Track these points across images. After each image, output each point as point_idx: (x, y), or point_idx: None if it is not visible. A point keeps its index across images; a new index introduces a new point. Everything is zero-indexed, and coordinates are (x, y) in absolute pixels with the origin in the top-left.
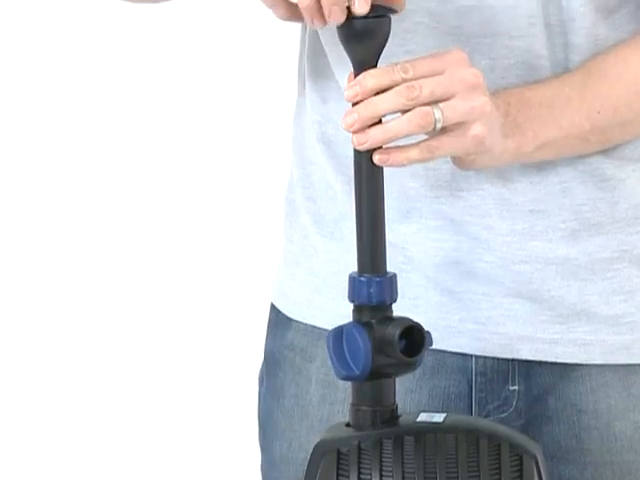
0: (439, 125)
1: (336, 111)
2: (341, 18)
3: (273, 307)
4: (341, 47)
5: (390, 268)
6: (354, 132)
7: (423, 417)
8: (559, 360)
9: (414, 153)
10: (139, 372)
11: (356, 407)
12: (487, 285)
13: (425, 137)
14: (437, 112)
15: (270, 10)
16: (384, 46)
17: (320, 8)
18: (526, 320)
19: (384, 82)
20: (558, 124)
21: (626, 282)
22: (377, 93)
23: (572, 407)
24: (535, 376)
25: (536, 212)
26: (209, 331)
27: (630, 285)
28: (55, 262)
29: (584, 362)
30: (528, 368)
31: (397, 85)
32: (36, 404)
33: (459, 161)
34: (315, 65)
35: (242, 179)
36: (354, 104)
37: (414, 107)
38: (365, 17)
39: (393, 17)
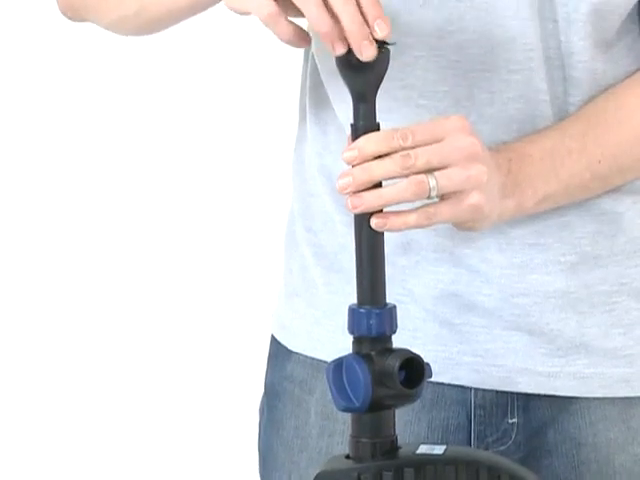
0: (434, 193)
1: (336, 143)
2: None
3: (273, 339)
4: (340, 80)
5: (389, 300)
6: (348, 195)
7: (423, 449)
8: (558, 393)
9: (412, 219)
10: (139, 399)
11: (356, 439)
12: (486, 317)
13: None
14: (432, 181)
15: (272, 32)
16: (383, 78)
17: (342, 35)
18: (525, 353)
19: (383, 148)
20: (559, 177)
21: (625, 315)
22: (375, 158)
23: (571, 440)
24: (534, 409)
25: (535, 245)
26: (211, 362)
27: (629, 318)
28: (54, 267)
29: (583, 395)
30: (527, 401)
31: (395, 152)
32: (36, 404)
33: (458, 226)
34: (316, 97)
35: (244, 209)
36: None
37: (409, 175)
38: None
39: (393, 50)
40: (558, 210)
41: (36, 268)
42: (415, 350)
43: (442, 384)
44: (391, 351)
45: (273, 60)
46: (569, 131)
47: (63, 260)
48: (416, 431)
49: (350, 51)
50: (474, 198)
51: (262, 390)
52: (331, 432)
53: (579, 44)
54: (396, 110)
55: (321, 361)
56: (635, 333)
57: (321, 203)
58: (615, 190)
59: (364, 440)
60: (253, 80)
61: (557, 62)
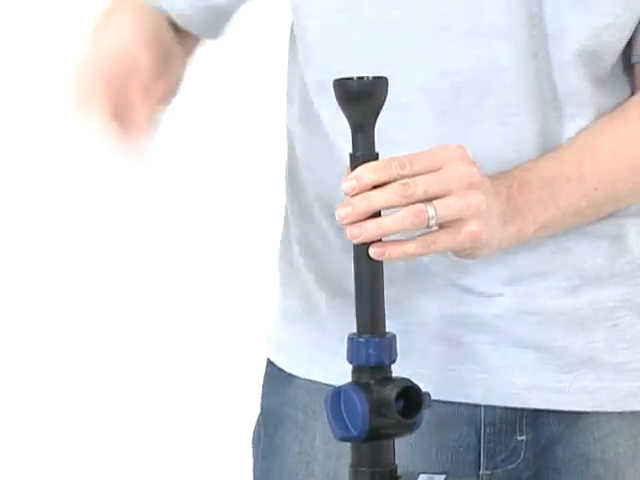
0: (433, 222)
1: (334, 176)
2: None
3: (270, 363)
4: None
5: (397, 322)
6: (348, 224)
7: (423, 478)
8: (567, 408)
9: (410, 247)
10: (132, 428)
11: (355, 468)
12: (494, 335)
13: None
14: (431, 210)
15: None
16: (381, 108)
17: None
18: (534, 369)
19: (381, 177)
20: (557, 205)
21: (628, 330)
22: (374, 187)
23: (580, 456)
24: (543, 425)
25: (538, 274)
26: (202, 389)
27: (632, 333)
28: (48, 272)
29: (592, 410)
30: (536, 417)
31: (394, 181)
32: (36, 404)
33: (457, 253)
34: (305, 129)
35: (238, 228)
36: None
37: (408, 204)
38: (362, 78)
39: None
40: (558, 237)
41: (33, 268)
42: (424, 371)
43: (452, 403)
44: (390, 380)
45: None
46: (566, 159)
47: (51, 268)
48: (425, 453)
49: (347, 81)
50: (473, 226)
51: (252, 415)
52: (338, 455)
53: (577, 84)
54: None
55: (326, 385)
56: (639, 347)
57: (319, 228)
58: (613, 214)
59: (363, 469)
60: (250, 92)
61: (554, 103)
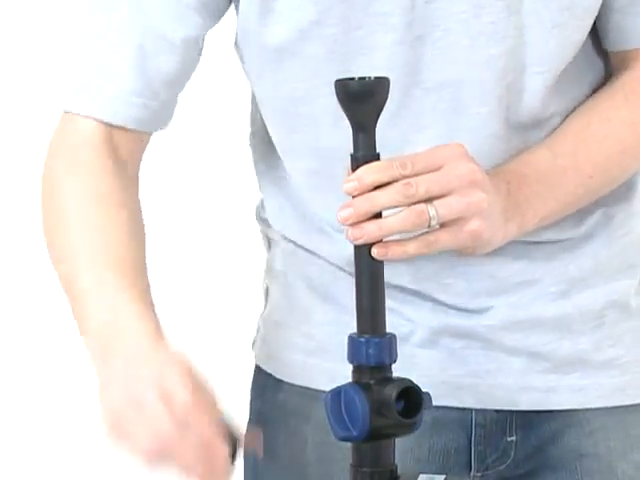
0: (434, 222)
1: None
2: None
3: (260, 370)
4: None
5: (389, 328)
6: (350, 226)
7: (423, 478)
8: (557, 408)
9: (412, 247)
10: None
11: (355, 468)
12: (485, 342)
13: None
14: (432, 210)
15: None
16: (383, 108)
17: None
18: (523, 372)
19: (383, 178)
20: (555, 197)
21: (615, 328)
22: (375, 187)
23: (573, 453)
24: (533, 426)
25: (524, 283)
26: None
27: (618, 330)
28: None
29: (581, 407)
30: (525, 418)
31: (395, 181)
32: (33, 403)
33: (459, 250)
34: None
35: (224, 242)
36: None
37: (410, 204)
38: (364, 78)
39: None
40: (541, 245)
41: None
42: (415, 376)
43: (444, 408)
44: (390, 380)
45: None
46: (559, 150)
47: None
48: (417, 457)
49: (349, 81)
50: (474, 225)
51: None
52: (331, 459)
53: (545, 102)
54: None
55: (316, 390)
56: (624, 343)
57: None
58: (604, 203)
59: (364, 469)
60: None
61: (521, 126)
